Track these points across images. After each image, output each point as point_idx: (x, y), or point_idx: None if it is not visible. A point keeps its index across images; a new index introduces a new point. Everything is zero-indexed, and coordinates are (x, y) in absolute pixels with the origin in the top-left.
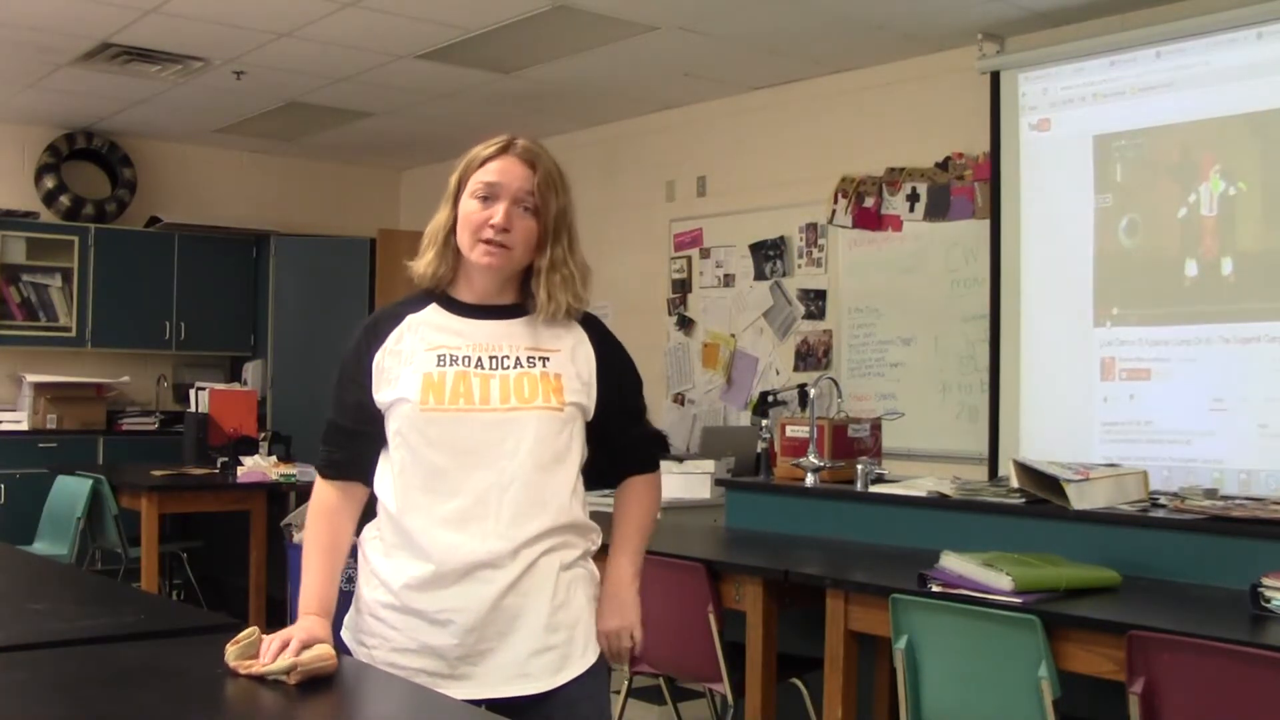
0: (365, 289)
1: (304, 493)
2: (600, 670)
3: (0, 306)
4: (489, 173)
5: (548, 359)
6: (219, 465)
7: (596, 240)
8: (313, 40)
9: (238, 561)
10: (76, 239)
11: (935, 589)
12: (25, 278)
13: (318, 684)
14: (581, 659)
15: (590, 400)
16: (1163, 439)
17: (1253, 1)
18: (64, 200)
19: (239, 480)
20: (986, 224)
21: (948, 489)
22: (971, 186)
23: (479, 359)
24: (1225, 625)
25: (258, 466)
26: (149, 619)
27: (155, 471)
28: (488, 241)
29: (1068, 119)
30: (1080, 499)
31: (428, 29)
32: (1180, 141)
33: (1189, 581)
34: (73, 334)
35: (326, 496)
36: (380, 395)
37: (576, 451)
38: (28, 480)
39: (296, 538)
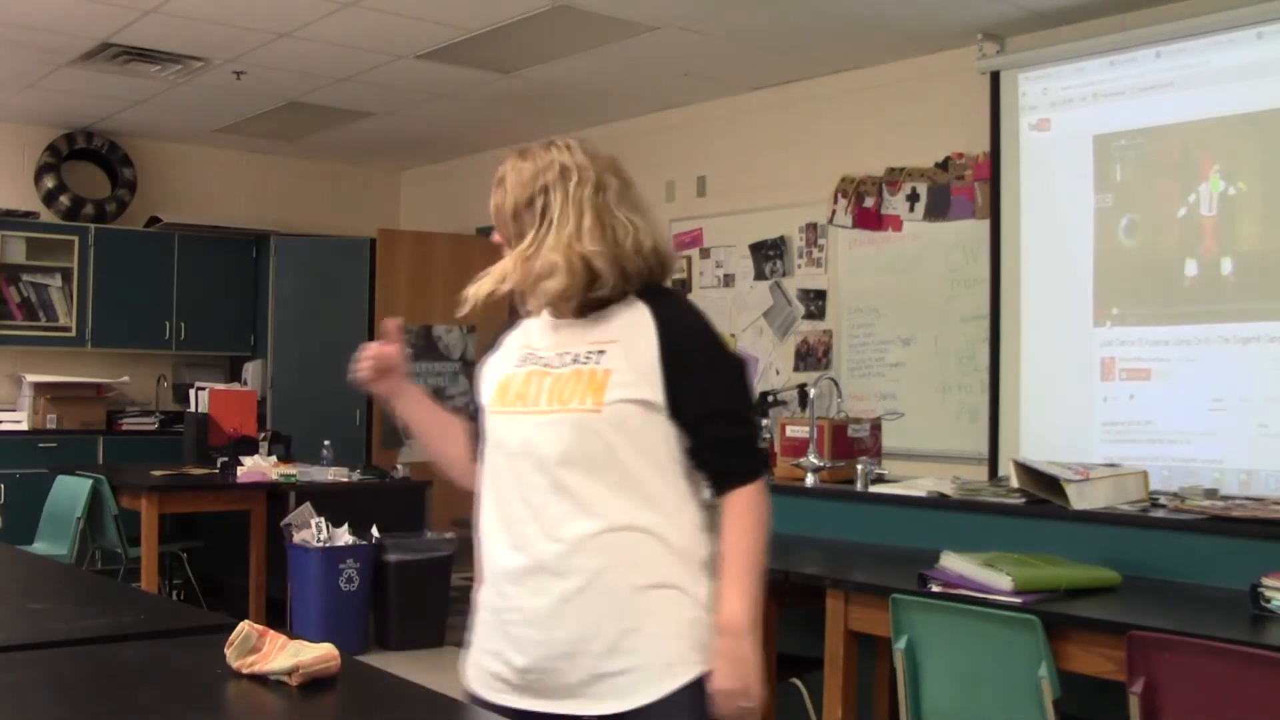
0: (365, 289)
1: (304, 493)
2: (682, 703)
3: (0, 306)
4: None
5: (604, 352)
6: (219, 465)
7: None
8: (313, 40)
9: (238, 561)
10: (76, 239)
11: (935, 589)
12: (25, 278)
13: (319, 685)
14: (657, 685)
15: (656, 392)
16: (1163, 439)
17: (1253, 1)
18: (64, 200)
19: (239, 480)
20: (986, 224)
21: (948, 489)
22: (971, 186)
23: (550, 359)
24: (1225, 625)
25: (258, 466)
26: (149, 619)
27: (155, 471)
28: None
29: (1068, 119)
30: (1080, 499)
31: (428, 29)
32: (1180, 141)
33: (1189, 581)
34: (73, 334)
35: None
36: (478, 397)
37: (633, 453)
38: (28, 480)
39: (297, 538)
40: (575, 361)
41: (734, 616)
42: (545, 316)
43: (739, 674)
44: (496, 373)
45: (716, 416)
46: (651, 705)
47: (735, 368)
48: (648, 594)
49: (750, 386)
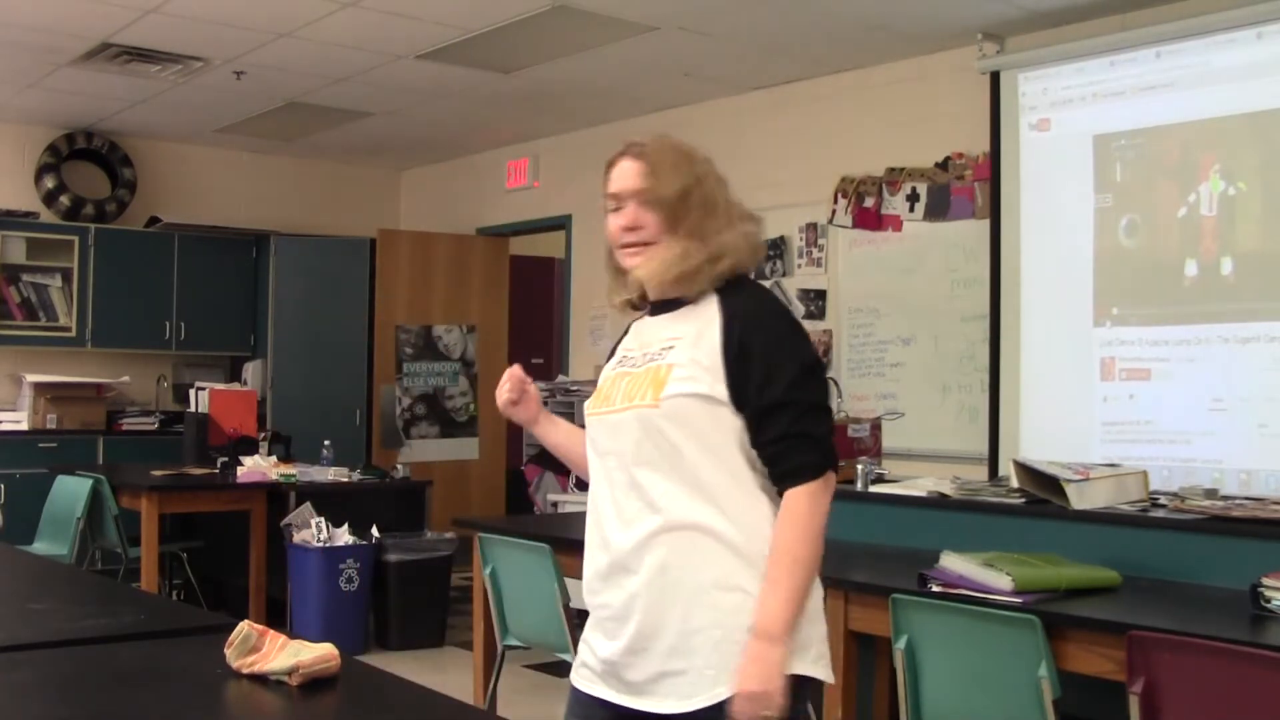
0: (365, 289)
1: (304, 493)
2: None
3: (0, 306)
4: (608, 182)
5: (672, 348)
6: (219, 465)
7: (596, 240)
8: (313, 40)
9: (238, 561)
10: (76, 239)
11: (935, 589)
12: (25, 278)
13: (319, 685)
14: (713, 690)
15: (718, 386)
16: (1163, 439)
17: (1253, 1)
18: (64, 200)
19: (239, 480)
20: (986, 224)
21: (948, 489)
22: (971, 186)
23: (636, 358)
24: (1225, 625)
25: (258, 466)
26: (149, 619)
27: (155, 471)
28: (624, 246)
29: (1068, 119)
30: (1080, 499)
31: (428, 29)
32: (1180, 141)
33: (1189, 581)
34: (73, 334)
35: None
36: None
37: (695, 448)
38: (28, 480)
39: (297, 538)
40: (650, 360)
41: (768, 620)
42: (644, 316)
43: (763, 678)
44: (601, 378)
45: (778, 410)
46: (709, 709)
47: (803, 359)
48: (710, 594)
49: (822, 380)
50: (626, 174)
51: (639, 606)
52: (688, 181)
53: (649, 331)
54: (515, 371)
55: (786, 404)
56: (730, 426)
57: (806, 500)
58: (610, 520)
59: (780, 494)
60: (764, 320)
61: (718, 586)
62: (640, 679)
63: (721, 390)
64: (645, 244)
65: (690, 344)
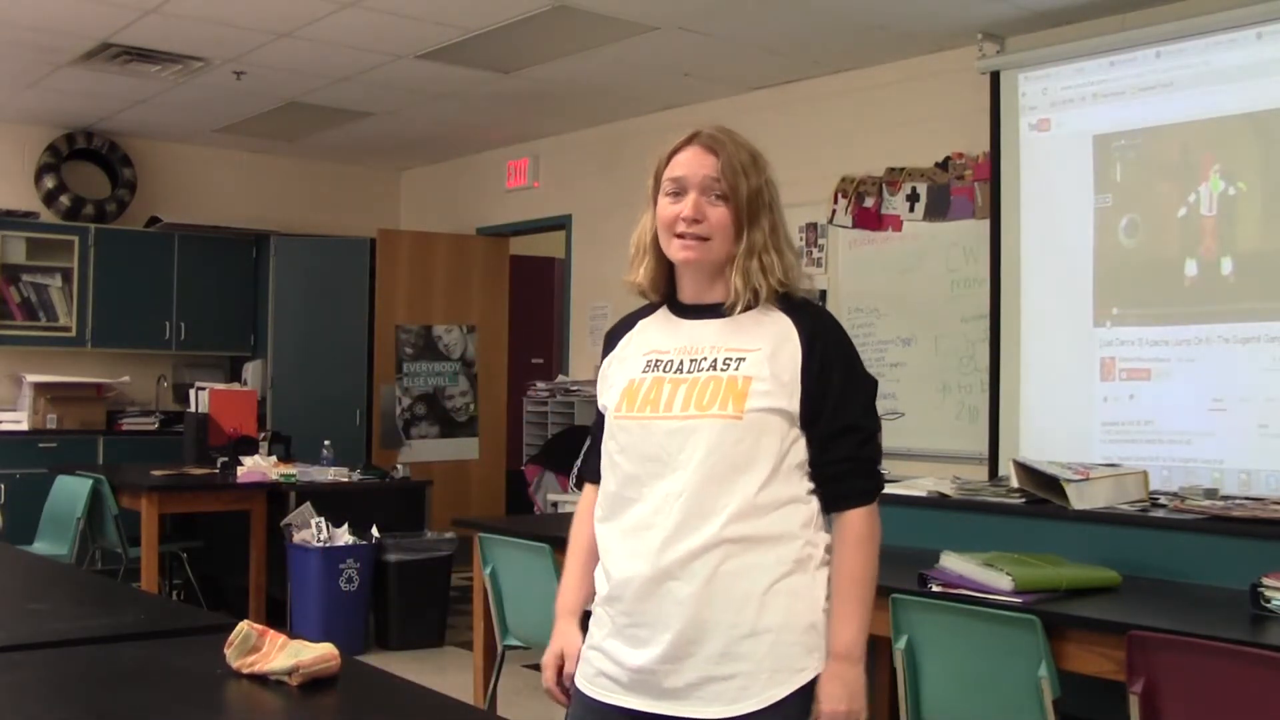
0: (365, 289)
1: (304, 493)
2: (788, 710)
3: (0, 306)
4: (675, 167)
5: (744, 359)
6: (219, 465)
7: (596, 240)
8: (313, 40)
9: (238, 561)
10: (76, 239)
11: (935, 589)
12: (25, 278)
13: (319, 685)
14: (764, 693)
15: (793, 402)
16: (1163, 439)
17: (1253, 1)
18: (64, 200)
19: (239, 480)
20: (986, 224)
21: (948, 489)
22: (971, 186)
23: (680, 363)
24: (1225, 625)
25: (257, 466)
26: (149, 619)
27: (155, 471)
28: (680, 235)
29: (1068, 119)
30: (1080, 499)
31: (428, 29)
32: (1180, 141)
33: (1189, 581)
34: (73, 334)
35: (588, 498)
36: (600, 402)
37: (766, 460)
38: (28, 480)
39: (297, 538)
40: (713, 368)
41: (847, 642)
42: (663, 315)
43: (849, 696)
44: (621, 376)
45: (848, 433)
46: (757, 713)
47: (870, 388)
48: (764, 599)
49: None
50: (697, 163)
51: (682, 614)
52: (757, 185)
53: (690, 336)
54: (550, 684)
55: (856, 428)
56: (789, 439)
57: (867, 524)
58: (648, 528)
59: (827, 511)
60: (842, 345)
61: (771, 592)
62: (681, 685)
63: (795, 406)
64: (702, 238)
65: (766, 358)
